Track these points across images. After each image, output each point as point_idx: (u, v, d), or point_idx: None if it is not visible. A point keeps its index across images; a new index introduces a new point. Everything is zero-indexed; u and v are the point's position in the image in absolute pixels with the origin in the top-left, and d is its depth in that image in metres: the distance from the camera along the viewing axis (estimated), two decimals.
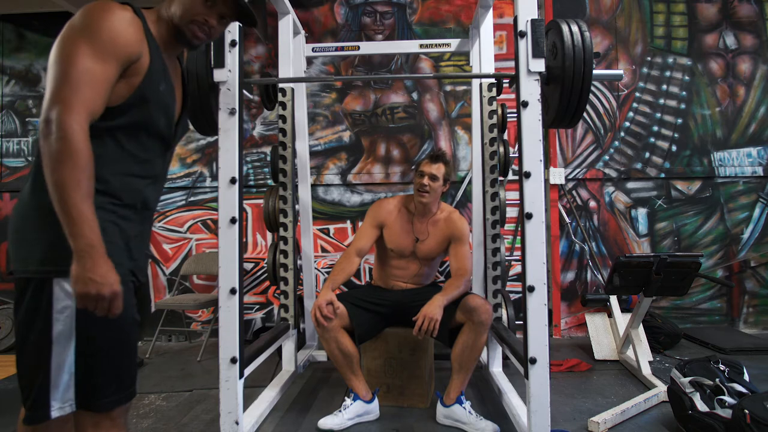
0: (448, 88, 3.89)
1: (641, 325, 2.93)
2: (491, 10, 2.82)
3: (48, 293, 1.04)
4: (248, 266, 3.88)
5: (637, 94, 3.86)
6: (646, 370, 2.66)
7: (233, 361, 1.79)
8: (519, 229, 2.66)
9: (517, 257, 3.61)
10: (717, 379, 1.98)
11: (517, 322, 2.80)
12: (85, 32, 1.05)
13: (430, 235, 2.49)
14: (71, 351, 1.06)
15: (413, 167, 2.57)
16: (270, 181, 3.69)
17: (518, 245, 3.63)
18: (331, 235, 3.86)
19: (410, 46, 3.25)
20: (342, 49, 3.19)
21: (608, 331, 3.23)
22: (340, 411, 2.22)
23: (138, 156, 1.17)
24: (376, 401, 2.31)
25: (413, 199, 2.51)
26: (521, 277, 1.76)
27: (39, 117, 1.03)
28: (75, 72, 1.01)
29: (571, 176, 3.82)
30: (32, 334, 1.06)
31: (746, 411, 1.71)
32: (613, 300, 3.23)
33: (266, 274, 3.63)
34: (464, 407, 2.19)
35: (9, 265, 1.13)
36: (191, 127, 1.99)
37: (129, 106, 1.12)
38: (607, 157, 3.84)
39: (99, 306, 1.01)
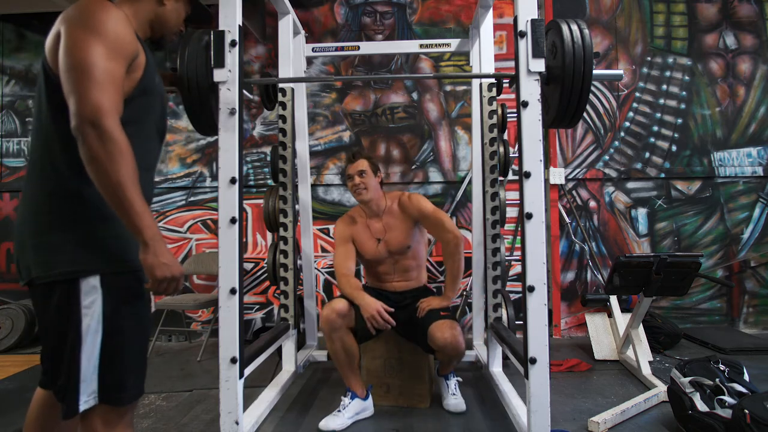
0: (448, 88, 3.89)
1: (641, 325, 2.93)
2: (491, 10, 2.82)
3: (75, 292, 1.08)
4: (248, 266, 3.88)
5: (637, 94, 3.86)
6: (646, 370, 2.66)
7: (233, 361, 1.79)
8: (519, 229, 2.66)
9: (517, 257, 3.61)
10: (717, 379, 1.98)
11: (517, 322, 2.80)
12: (95, 33, 1.07)
13: (390, 228, 2.46)
14: (98, 344, 1.10)
15: (343, 177, 2.61)
16: (270, 181, 3.69)
17: (518, 245, 3.63)
18: (331, 235, 3.86)
19: (410, 46, 3.24)
20: (342, 49, 3.19)
21: (608, 331, 3.23)
22: (339, 411, 2.22)
23: (142, 147, 1.20)
24: (370, 398, 2.35)
25: (360, 209, 2.56)
26: (521, 277, 1.76)
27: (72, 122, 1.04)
28: (99, 74, 1.04)
29: (571, 176, 3.82)
30: (63, 334, 1.09)
31: (746, 411, 1.71)
32: (613, 300, 3.22)
33: (266, 274, 3.63)
34: (448, 383, 2.41)
35: (24, 273, 1.14)
36: (191, 126, 2.00)
37: (132, 98, 1.16)
38: (607, 157, 3.84)
39: (170, 286, 1.11)
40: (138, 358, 1.19)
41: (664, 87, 3.86)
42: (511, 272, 3.73)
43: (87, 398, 1.10)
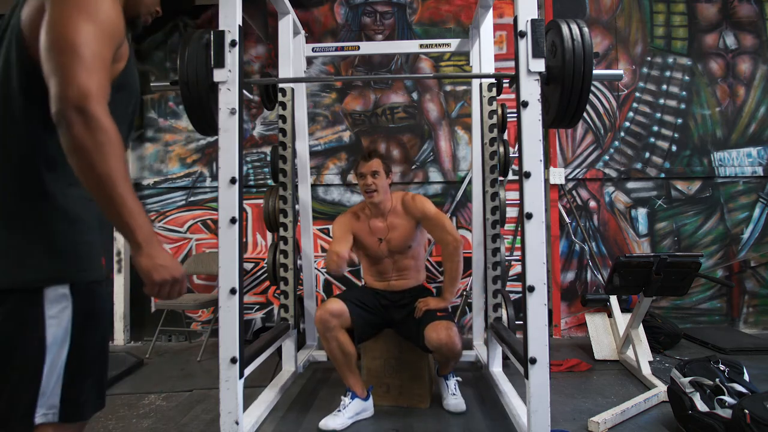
0: (448, 88, 3.89)
1: (641, 325, 2.93)
2: (491, 10, 2.82)
3: (36, 301, 0.97)
4: (248, 266, 3.88)
5: (637, 94, 3.86)
6: (646, 370, 2.66)
7: (233, 361, 1.79)
8: (519, 229, 2.66)
9: (517, 257, 3.61)
10: (717, 379, 1.98)
11: (517, 322, 2.80)
12: (85, 13, 0.95)
13: (392, 228, 2.46)
14: (64, 355, 1.00)
15: (355, 172, 2.55)
16: (270, 181, 3.69)
17: (518, 245, 3.63)
18: (331, 235, 3.86)
19: (410, 46, 3.25)
20: (342, 49, 3.19)
21: (608, 331, 3.22)
22: (339, 411, 2.22)
23: None
24: (371, 398, 2.35)
25: (365, 205, 2.52)
26: (521, 277, 1.76)
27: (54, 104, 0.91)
28: (89, 57, 0.92)
29: (571, 176, 3.81)
30: (20, 346, 0.98)
31: (746, 411, 1.71)
32: (613, 300, 3.22)
33: (266, 274, 3.62)
34: (448, 383, 2.41)
35: None
36: (191, 126, 2.00)
37: (113, 90, 1.04)
38: (607, 157, 3.84)
39: (173, 290, 1.01)
40: (105, 369, 1.11)
41: (664, 87, 3.85)
42: (511, 272, 3.73)
43: (46, 411, 0.99)
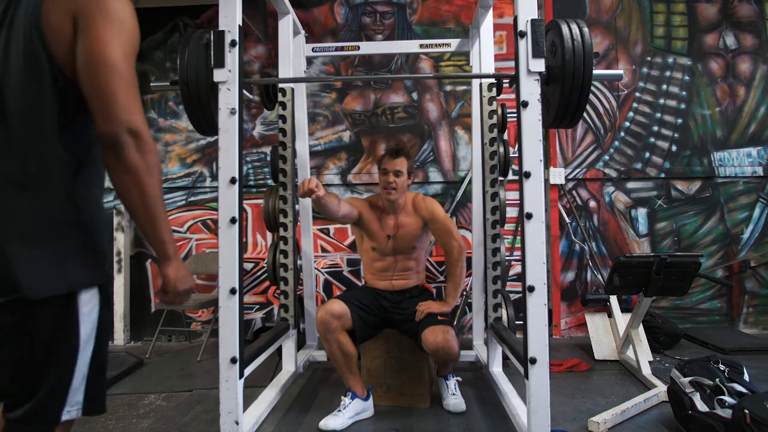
0: (448, 88, 3.89)
1: (641, 325, 2.93)
2: (491, 10, 2.82)
3: (74, 304, 1.00)
4: (248, 266, 3.88)
5: (637, 94, 3.86)
6: (646, 370, 2.66)
7: (233, 361, 1.79)
8: (519, 229, 2.66)
9: (517, 257, 3.61)
10: (717, 379, 1.98)
11: (517, 322, 2.80)
12: (125, 32, 0.98)
13: (401, 227, 2.48)
14: (89, 352, 1.04)
15: (376, 164, 2.54)
16: (270, 181, 3.69)
17: (518, 245, 3.63)
18: (331, 235, 3.86)
19: (410, 46, 3.25)
20: (342, 49, 3.19)
21: (608, 331, 3.23)
22: (339, 411, 2.22)
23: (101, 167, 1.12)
24: (371, 399, 2.35)
25: (380, 197, 2.51)
26: (521, 277, 1.76)
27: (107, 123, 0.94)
28: (133, 79, 0.97)
29: (571, 176, 3.82)
30: (59, 348, 1.00)
31: (746, 411, 1.71)
32: (613, 300, 3.22)
33: (266, 274, 3.63)
34: (448, 383, 2.42)
35: (6, 289, 0.94)
36: (191, 126, 2.00)
37: None
38: (607, 157, 3.84)
39: (184, 297, 1.11)
40: (107, 367, 1.15)
41: (664, 87, 3.86)
42: (511, 272, 3.73)
43: (70, 408, 1.02)
